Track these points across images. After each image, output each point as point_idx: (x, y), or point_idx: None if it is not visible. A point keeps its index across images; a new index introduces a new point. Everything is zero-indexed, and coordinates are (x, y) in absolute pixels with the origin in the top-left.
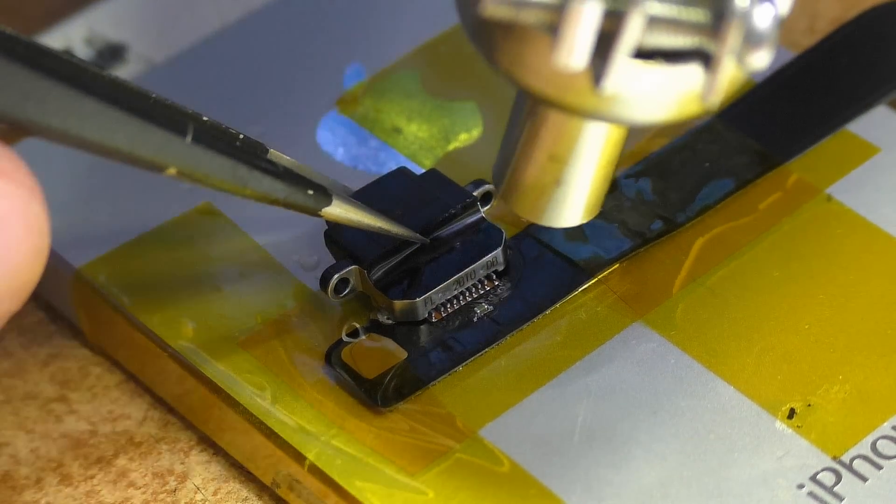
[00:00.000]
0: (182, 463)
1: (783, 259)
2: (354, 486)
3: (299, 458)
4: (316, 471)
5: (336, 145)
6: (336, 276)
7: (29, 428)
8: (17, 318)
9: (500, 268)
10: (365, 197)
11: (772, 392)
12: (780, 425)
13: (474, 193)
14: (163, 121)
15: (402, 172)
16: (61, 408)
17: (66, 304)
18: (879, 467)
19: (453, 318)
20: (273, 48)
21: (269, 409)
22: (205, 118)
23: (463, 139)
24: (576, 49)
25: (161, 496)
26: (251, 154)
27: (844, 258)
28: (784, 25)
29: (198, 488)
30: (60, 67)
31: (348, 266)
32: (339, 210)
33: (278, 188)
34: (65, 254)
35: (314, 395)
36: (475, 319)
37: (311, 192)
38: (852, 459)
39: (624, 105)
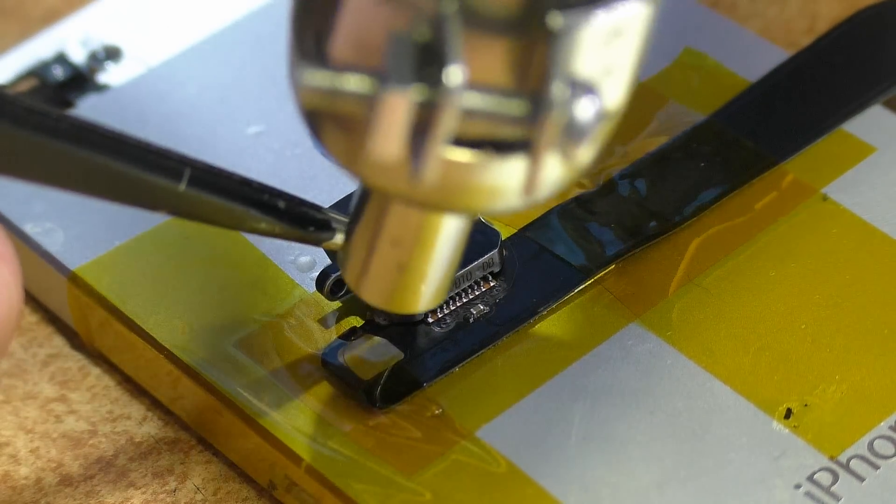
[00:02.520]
0: (182, 463)
1: (779, 259)
2: (351, 488)
3: (296, 459)
4: (313, 472)
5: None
6: (332, 277)
7: (29, 428)
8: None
9: (497, 269)
10: (343, 210)
11: (768, 392)
12: (776, 425)
13: None
14: (154, 168)
15: None
16: (61, 408)
17: (62, 307)
18: (876, 467)
19: (450, 320)
20: (268, 49)
21: (266, 411)
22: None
23: None
24: (388, 140)
25: (161, 496)
26: (248, 195)
27: (841, 258)
28: (785, 25)
29: (198, 488)
30: (24, 114)
31: None
32: (342, 242)
33: (277, 228)
34: (60, 256)
35: (310, 396)
36: (471, 320)
37: (311, 228)
38: (849, 459)
39: (450, 194)
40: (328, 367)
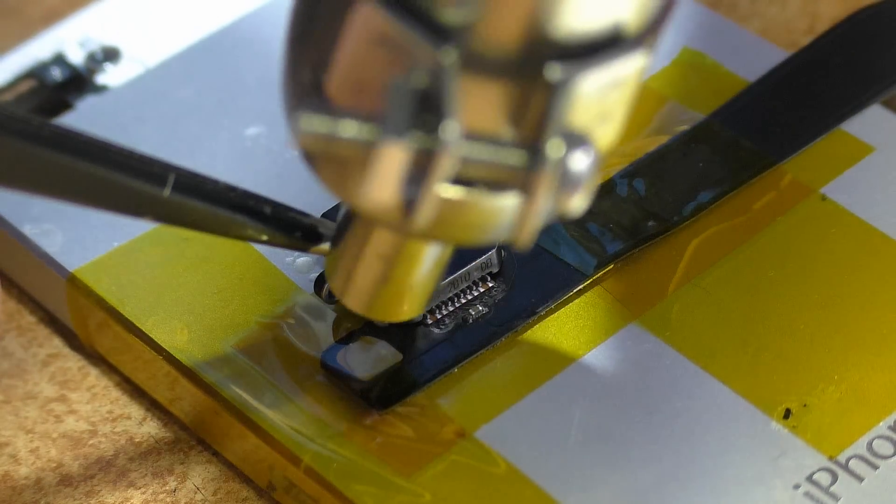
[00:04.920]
0: (182, 463)
1: (778, 259)
2: (350, 489)
3: (295, 460)
4: (312, 473)
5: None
6: None
7: (29, 428)
8: (17, 318)
9: (495, 269)
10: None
11: (767, 392)
12: (775, 425)
13: None
14: (138, 173)
15: None
16: (61, 408)
17: (61, 308)
18: (875, 467)
19: (448, 321)
20: (266, 50)
21: (265, 412)
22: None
23: None
24: (384, 186)
25: (161, 496)
26: (234, 200)
27: (839, 258)
28: (785, 25)
29: (198, 488)
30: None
31: None
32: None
33: (263, 234)
34: (59, 258)
35: (309, 397)
36: (470, 321)
37: (299, 234)
38: (848, 459)
39: (440, 229)
40: (327, 368)
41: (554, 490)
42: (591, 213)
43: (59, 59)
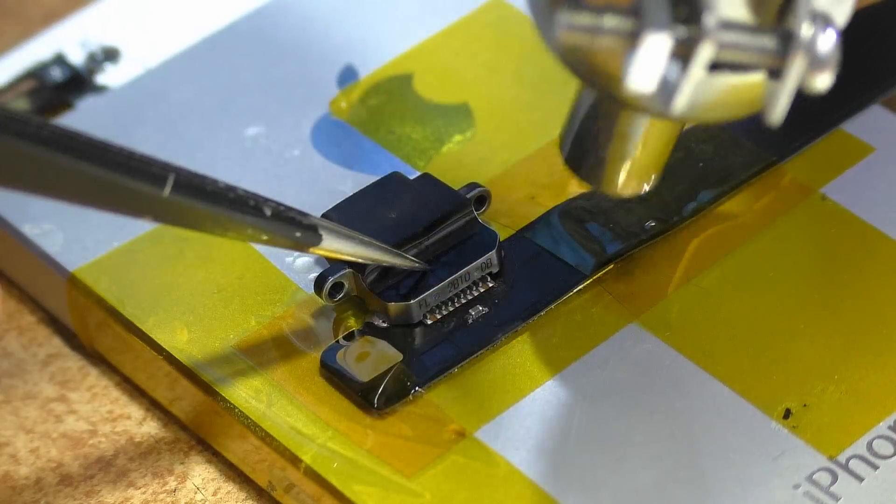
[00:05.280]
0: (182, 463)
1: (778, 259)
2: (350, 489)
3: (295, 460)
4: (312, 473)
5: (330, 147)
6: (330, 279)
7: (29, 428)
8: (17, 318)
9: (495, 269)
10: (358, 203)
11: (767, 392)
12: (775, 425)
13: (468, 196)
14: (138, 173)
15: (395, 177)
16: (61, 408)
17: (61, 308)
18: (875, 467)
19: (448, 321)
20: (266, 50)
21: (265, 412)
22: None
23: (457, 140)
24: (646, 77)
25: (161, 496)
26: (233, 200)
27: (839, 258)
28: None
29: (198, 488)
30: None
31: (343, 270)
32: (331, 247)
33: (263, 234)
34: (59, 258)
35: (309, 398)
36: (470, 321)
37: (299, 234)
38: (848, 459)
39: (695, 111)
40: (327, 368)
41: (554, 490)
42: (591, 213)
43: (59, 59)
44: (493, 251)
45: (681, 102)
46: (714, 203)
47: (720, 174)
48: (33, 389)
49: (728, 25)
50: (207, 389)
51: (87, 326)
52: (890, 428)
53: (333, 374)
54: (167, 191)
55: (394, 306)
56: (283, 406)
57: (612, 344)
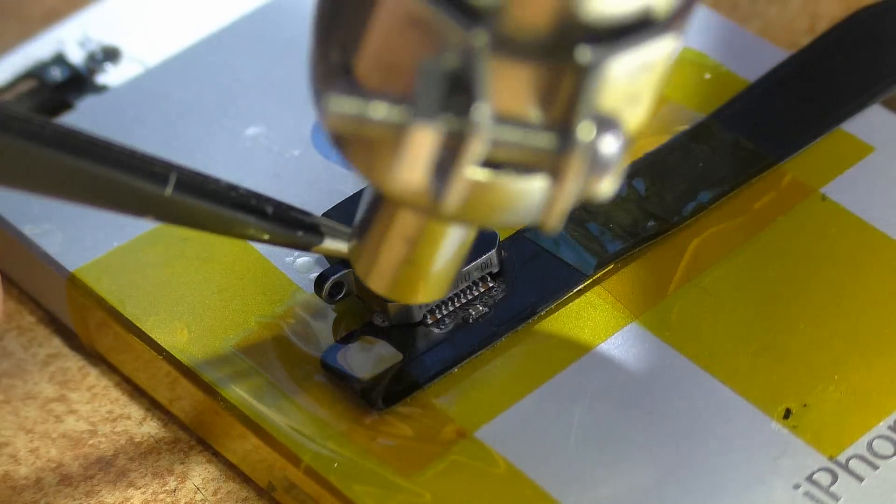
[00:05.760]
0: (182, 463)
1: (778, 259)
2: (350, 489)
3: (295, 460)
4: (312, 473)
5: (330, 147)
6: (331, 279)
7: (29, 428)
8: (16, 318)
9: (495, 269)
10: (343, 213)
11: (767, 392)
12: (775, 425)
13: None
14: (140, 172)
15: None
16: (61, 408)
17: (61, 308)
18: (875, 467)
19: (448, 321)
20: (266, 50)
21: (265, 412)
22: (186, 168)
23: None
24: (414, 169)
25: (161, 496)
26: (235, 200)
27: (839, 258)
28: (785, 25)
29: (198, 488)
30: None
31: (343, 270)
32: (331, 246)
33: (265, 233)
34: (59, 258)
35: (309, 398)
36: (470, 321)
37: (300, 233)
38: (848, 459)
39: (468, 211)
40: (327, 368)
41: (554, 490)
42: (590, 213)
43: (59, 59)
44: (493, 251)
45: (450, 200)
46: (714, 203)
47: (720, 174)
48: (33, 389)
49: (503, 120)
50: (207, 389)
51: (87, 326)
52: (890, 428)
53: (333, 374)
54: (169, 190)
55: (394, 306)
56: (283, 406)
57: (612, 344)
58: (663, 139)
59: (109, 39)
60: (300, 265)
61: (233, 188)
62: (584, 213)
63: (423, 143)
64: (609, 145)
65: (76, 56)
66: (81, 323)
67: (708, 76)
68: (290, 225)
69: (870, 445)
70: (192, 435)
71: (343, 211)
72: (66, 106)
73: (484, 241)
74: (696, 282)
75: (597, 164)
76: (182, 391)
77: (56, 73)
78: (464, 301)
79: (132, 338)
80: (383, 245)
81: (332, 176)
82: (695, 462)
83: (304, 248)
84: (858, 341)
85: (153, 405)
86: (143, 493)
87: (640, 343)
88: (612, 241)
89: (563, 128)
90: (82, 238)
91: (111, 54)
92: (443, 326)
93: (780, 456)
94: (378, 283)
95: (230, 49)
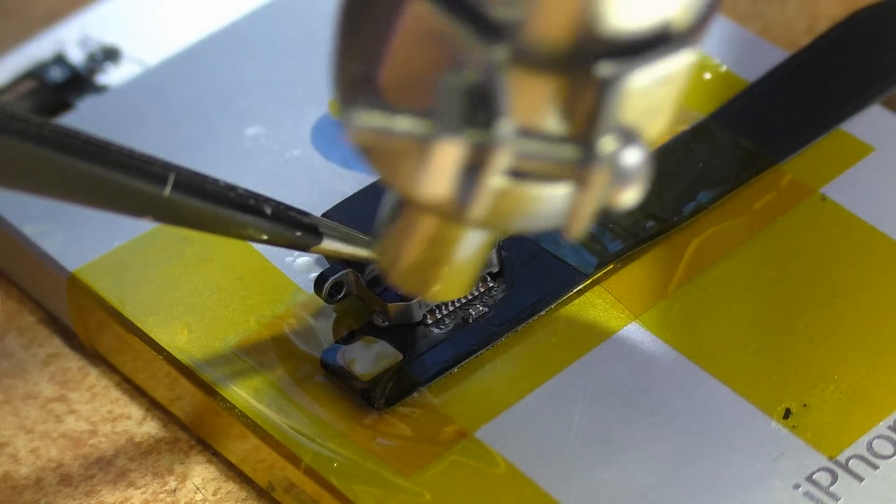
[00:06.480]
0: (182, 463)
1: (778, 259)
2: (350, 489)
3: (295, 460)
4: (312, 473)
5: (330, 147)
6: (330, 279)
7: (29, 428)
8: (17, 318)
9: (495, 269)
10: (358, 203)
11: (767, 392)
12: (775, 425)
13: None
14: (138, 173)
15: (376, 187)
16: (61, 408)
17: (62, 308)
18: (875, 467)
19: (448, 321)
20: (266, 50)
21: (265, 413)
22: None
23: None
24: (438, 181)
25: (161, 496)
26: (234, 200)
27: (839, 258)
28: (785, 25)
29: (198, 488)
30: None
31: (342, 270)
32: (330, 247)
33: (263, 234)
34: (59, 258)
35: (309, 398)
36: (470, 321)
37: (299, 233)
38: (848, 459)
39: (492, 218)
40: (327, 368)
41: (554, 490)
42: None
43: (59, 59)
44: (494, 251)
45: (475, 209)
46: (714, 203)
47: (720, 174)
48: (33, 389)
49: (525, 133)
50: (207, 389)
51: (87, 326)
52: (890, 428)
53: (333, 374)
54: (168, 190)
55: (394, 306)
56: (283, 406)
57: (612, 344)
58: (663, 139)
59: (109, 39)
60: (300, 265)
61: (231, 188)
62: None
63: (448, 157)
64: (631, 157)
65: (76, 56)
66: (81, 323)
67: (708, 76)
68: (288, 225)
69: (870, 445)
70: (191, 435)
71: (343, 211)
72: (66, 106)
73: None
74: (696, 282)
75: (620, 176)
76: (182, 391)
77: (56, 73)
78: (464, 301)
79: (132, 338)
80: (408, 246)
81: (332, 176)
82: (695, 462)
83: (303, 248)
84: (858, 341)
85: (153, 405)
86: (143, 492)
87: (640, 343)
88: (612, 241)
89: (585, 140)
90: (82, 238)
91: (111, 54)
92: (443, 326)
93: (779, 456)
94: (405, 283)
95: (230, 49)
